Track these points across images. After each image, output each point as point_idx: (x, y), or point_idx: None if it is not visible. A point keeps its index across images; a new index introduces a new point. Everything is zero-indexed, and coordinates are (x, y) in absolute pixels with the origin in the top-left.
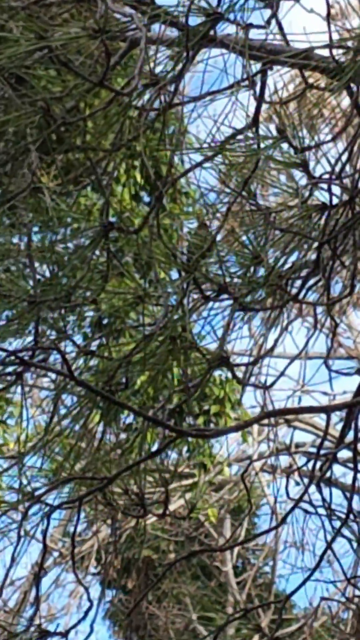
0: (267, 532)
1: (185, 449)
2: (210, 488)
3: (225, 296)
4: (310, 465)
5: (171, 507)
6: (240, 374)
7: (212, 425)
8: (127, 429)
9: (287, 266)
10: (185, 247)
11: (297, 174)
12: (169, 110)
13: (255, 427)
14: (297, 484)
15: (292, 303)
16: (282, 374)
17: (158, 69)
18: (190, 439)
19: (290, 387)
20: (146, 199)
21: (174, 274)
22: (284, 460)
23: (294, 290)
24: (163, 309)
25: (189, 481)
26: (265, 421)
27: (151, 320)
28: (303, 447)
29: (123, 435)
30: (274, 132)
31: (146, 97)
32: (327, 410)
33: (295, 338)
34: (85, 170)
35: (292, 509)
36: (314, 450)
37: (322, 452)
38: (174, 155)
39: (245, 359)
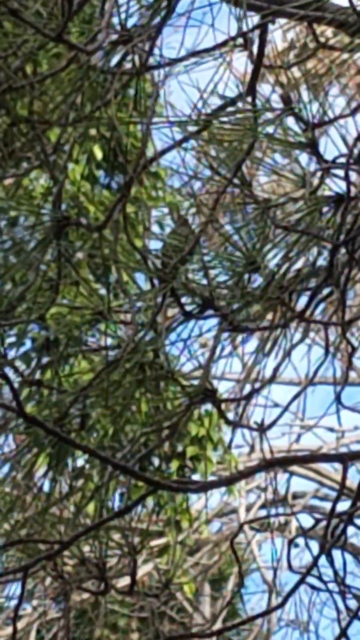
0: (264, 614)
1: (154, 501)
2: (185, 550)
3: (211, 312)
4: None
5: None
6: (228, 397)
7: (187, 471)
8: (80, 475)
9: (290, 274)
10: (159, 247)
11: (304, 156)
12: (144, 74)
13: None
14: (297, 545)
15: (296, 321)
16: (284, 410)
17: (130, 22)
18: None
19: (286, 422)
20: (103, 180)
21: (141, 278)
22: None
23: (300, 305)
24: (131, 328)
25: (160, 541)
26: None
27: (115, 343)
28: (303, 499)
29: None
30: (275, 103)
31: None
32: (344, 458)
33: (294, 354)
34: (28, 146)
35: (297, 586)
36: (316, 502)
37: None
38: (147, 130)
39: (234, 385)
